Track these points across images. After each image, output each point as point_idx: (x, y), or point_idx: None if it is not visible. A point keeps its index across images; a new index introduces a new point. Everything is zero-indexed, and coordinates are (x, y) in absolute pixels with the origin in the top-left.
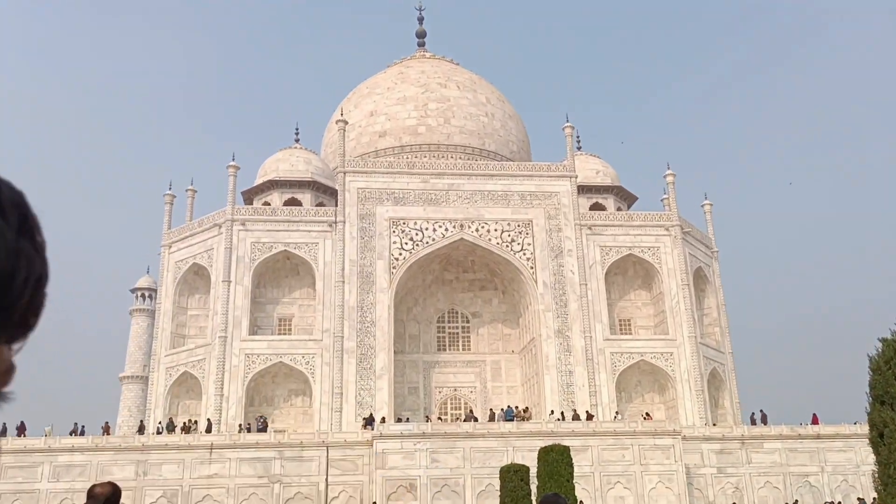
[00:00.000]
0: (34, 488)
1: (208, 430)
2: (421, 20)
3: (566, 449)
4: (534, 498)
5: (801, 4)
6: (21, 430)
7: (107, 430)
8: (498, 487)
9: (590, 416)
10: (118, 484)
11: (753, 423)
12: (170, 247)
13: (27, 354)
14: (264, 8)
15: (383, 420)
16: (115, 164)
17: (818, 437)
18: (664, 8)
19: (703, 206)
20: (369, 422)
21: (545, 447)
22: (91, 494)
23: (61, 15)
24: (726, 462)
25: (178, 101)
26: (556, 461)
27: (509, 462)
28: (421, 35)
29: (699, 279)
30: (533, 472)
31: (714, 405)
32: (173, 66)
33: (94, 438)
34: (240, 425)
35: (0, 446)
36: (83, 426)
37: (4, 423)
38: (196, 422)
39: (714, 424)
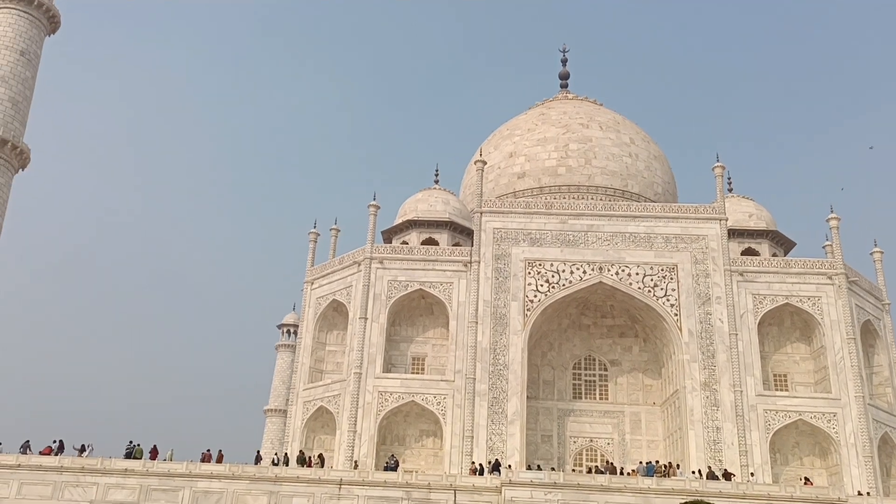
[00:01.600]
0: None
1: (355, 467)
2: (564, 62)
3: None
4: None
5: None
6: (153, 453)
7: (258, 459)
8: None
9: (727, 476)
10: None
11: None
12: (312, 283)
13: (183, 387)
14: (411, 52)
15: (509, 467)
16: (269, 203)
17: None
18: (814, 48)
19: (872, 253)
20: (494, 468)
21: (687, 502)
22: None
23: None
24: None
25: (325, 143)
26: None
27: None
28: (564, 77)
29: (867, 334)
30: None
31: (886, 474)
32: (322, 108)
33: (231, 467)
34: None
35: (147, 469)
36: (216, 450)
37: (155, 445)
38: (320, 456)
39: (886, 496)
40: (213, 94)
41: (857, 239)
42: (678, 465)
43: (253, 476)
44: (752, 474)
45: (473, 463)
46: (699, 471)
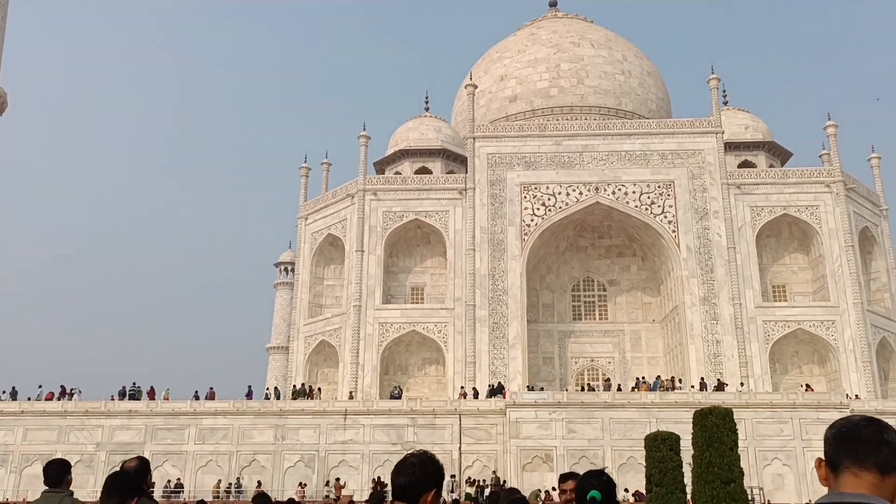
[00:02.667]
0: (182, 450)
1: (350, 397)
2: None
3: (728, 412)
4: (687, 469)
5: None
6: (150, 394)
7: (249, 395)
8: (641, 460)
9: (720, 386)
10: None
11: None
12: (306, 219)
13: (183, 328)
14: None
15: (503, 389)
16: (258, 141)
17: None
18: None
19: (869, 159)
20: (496, 391)
21: (701, 410)
22: (122, 468)
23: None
24: None
25: (311, 77)
26: (717, 426)
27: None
28: None
29: (865, 240)
30: (685, 441)
31: (884, 378)
32: (306, 41)
33: (235, 403)
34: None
35: (151, 409)
36: (222, 389)
37: (152, 386)
38: (319, 388)
39: (884, 398)
40: (196, 30)
41: (854, 146)
42: (680, 380)
43: (258, 411)
44: (741, 384)
45: (462, 388)
46: (702, 381)
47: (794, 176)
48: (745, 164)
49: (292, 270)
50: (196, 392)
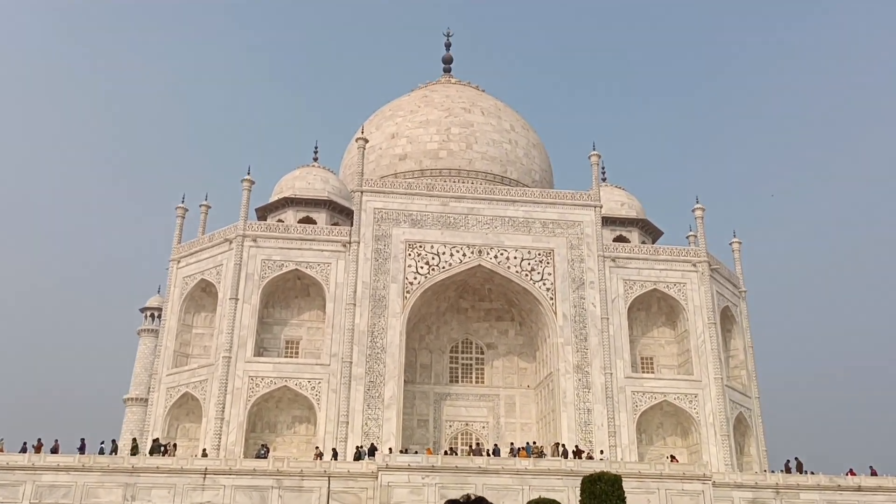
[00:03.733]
0: None
1: (204, 454)
2: (448, 46)
3: (617, 479)
4: None
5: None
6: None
7: (82, 448)
8: None
9: (578, 454)
10: None
11: (788, 470)
12: (178, 262)
13: (33, 368)
14: (289, 25)
15: (374, 451)
16: (132, 180)
17: (859, 489)
18: (701, 38)
19: (731, 243)
20: (370, 452)
21: (590, 477)
22: None
23: (74, 29)
24: None
25: (196, 115)
26: (606, 493)
27: (528, 500)
28: (447, 61)
29: (726, 319)
30: None
31: (739, 452)
32: (193, 77)
33: (81, 458)
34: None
35: None
36: (75, 440)
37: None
38: (175, 445)
39: (741, 471)
40: (83, 62)
41: (717, 230)
42: (556, 446)
43: (106, 467)
44: (601, 452)
45: (317, 448)
46: (567, 450)
47: (664, 254)
48: (620, 239)
49: (159, 316)
50: (37, 441)
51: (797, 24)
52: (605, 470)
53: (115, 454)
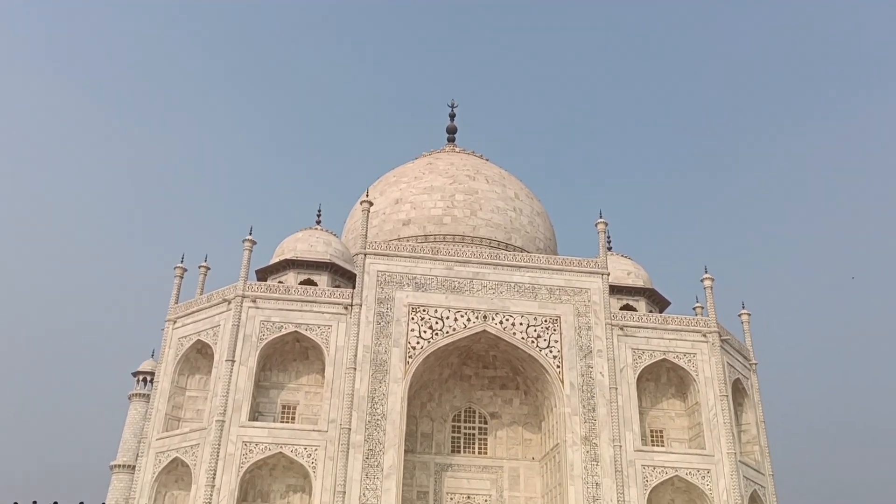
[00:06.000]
0: None
1: None
2: (453, 116)
3: None
4: None
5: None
6: None
7: None
8: None
9: None
10: None
11: None
12: (175, 322)
13: (17, 433)
14: (295, 91)
15: None
16: (131, 239)
17: None
18: (703, 109)
19: (740, 315)
20: None
21: None
22: None
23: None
24: None
25: (198, 177)
26: None
27: None
28: (451, 131)
29: (737, 392)
30: None
31: None
32: (193, 139)
33: None
34: None
35: None
36: None
37: None
38: None
39: None
40: (85, 116)
41: (724, 301)
42: None
43: None
44: None
45: None
46: None
47: (673, 323)
48: (627, 308)
49: (152, 381)
50: None
51: (810, 91)
52: None
53: None
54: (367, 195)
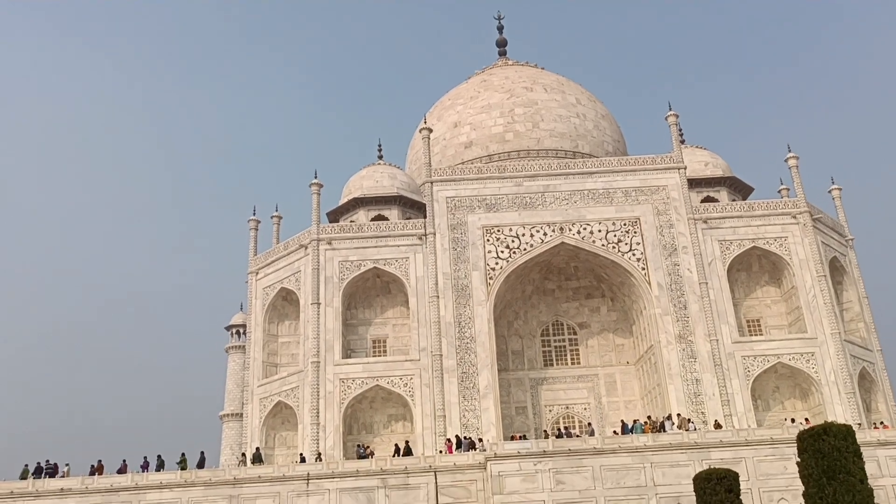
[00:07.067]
0: None
1: (301, 460)
2: (501, 29)
3: (850, 431)
4: None
5: None
6: (122, 470)
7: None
8: None
9: (717, 426)
10: None
11: None
12: (257, 273)
13: (133, 404)
14: (341, 28)
15: (470, 441)
16: (203, 199)
17: None
18: None
19: (830, 191)
20: (459, 445)
21: (811, 431)
22: None
23: (142, 45)
24: None
25: (260, 128)
26: (838, 451)
27: (648, 480)
28: (501, 44)
29: (835, 271)
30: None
31: (867, 409)
32: (255, 91)
33: (183, 474)
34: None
35: (86, 486)
36: (145, 458)
37: (100, 461)
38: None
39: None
40: (141, 84)
41: (811, 179)
42: (674, 417)
43: (209, 481)
44: (716, 423)
45: (396, 445)
46: (688, 420)
47: (759, 209)
48: (708, 200)
49: (244, 333)
50: (122, 462)
51: None
52: (732, 440)
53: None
54: (425, 122)
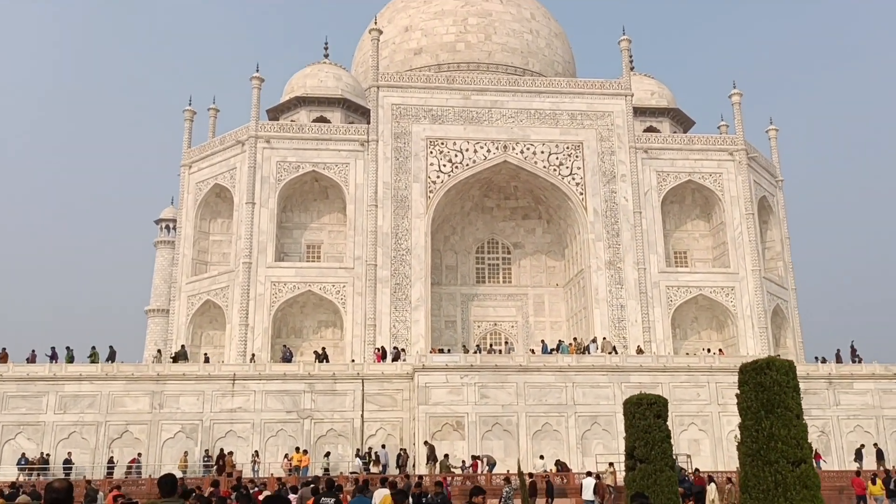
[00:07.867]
0: (39, 420)
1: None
2: None
3: (791, 366)
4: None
5: None
6: (31, 360)
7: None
8: (556, 426)
9: (640, 351)
10: None
11: (839, 360)
12: (190, 167)
13: (52, 287)
14: None
15: (396, 352)
16: (137, 84)
17: None
18: None
19: (767, 131)
20: (394, 356)
21: (754, 364)
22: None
23: None
24: (811, 403)
25: (201, 16)
26: (778, 385)
27: (569, 399)
28: None
29: (762, 210)
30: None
31: (776, 344)
32: None
33: (105, 367)
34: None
35: (1, 374)
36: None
37: (3, 349)
38: (182, 348)
39: None
40: None
41: (751, 118)
42: (599, 340)
43: (131, 375)
44: (638, 349)
45: (315, 352)
46: (610, 344)
47: (699, 143)
48: (650, 130)
49: (174, 228)
50: (51, 350)
51: None
52: (651, 366)
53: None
54: (376, 23)
